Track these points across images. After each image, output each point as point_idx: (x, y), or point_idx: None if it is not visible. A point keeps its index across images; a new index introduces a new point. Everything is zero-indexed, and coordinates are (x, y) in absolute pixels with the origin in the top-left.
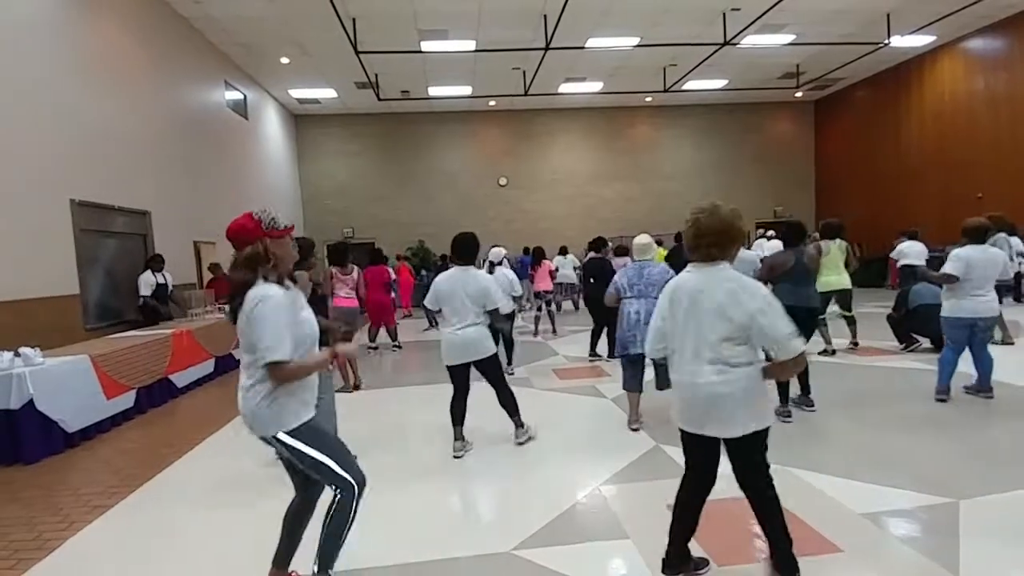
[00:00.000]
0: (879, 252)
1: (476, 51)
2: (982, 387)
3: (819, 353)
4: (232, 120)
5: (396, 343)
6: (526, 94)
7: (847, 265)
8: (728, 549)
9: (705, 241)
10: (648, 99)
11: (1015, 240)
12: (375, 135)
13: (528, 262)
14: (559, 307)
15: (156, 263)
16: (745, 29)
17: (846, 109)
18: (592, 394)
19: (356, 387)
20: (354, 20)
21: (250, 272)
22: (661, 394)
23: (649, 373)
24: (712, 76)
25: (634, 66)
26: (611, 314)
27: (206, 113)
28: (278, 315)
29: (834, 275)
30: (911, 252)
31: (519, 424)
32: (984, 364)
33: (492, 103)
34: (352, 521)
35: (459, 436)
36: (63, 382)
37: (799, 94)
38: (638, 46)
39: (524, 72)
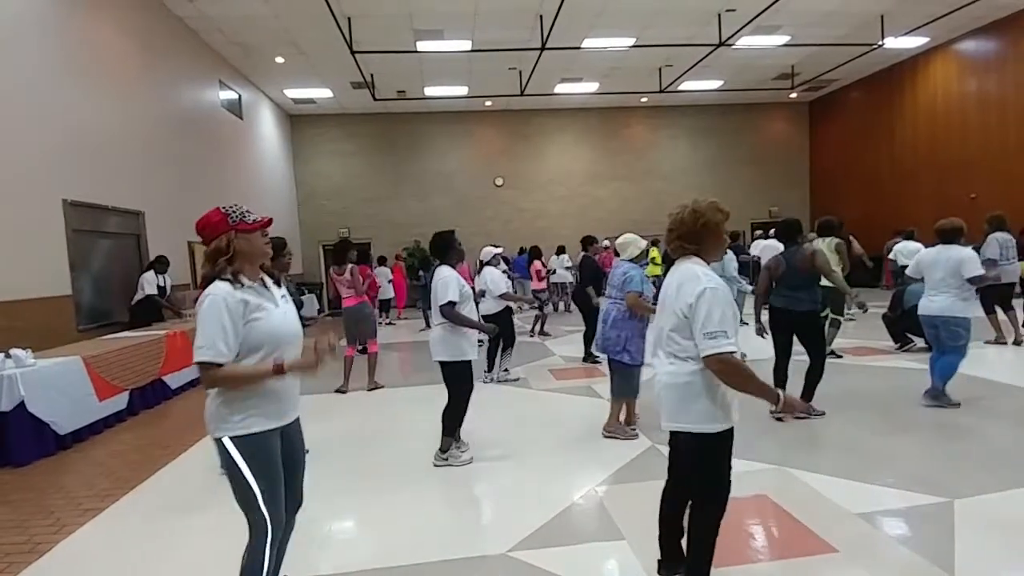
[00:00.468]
0: (874, 252)
1: (472, 51)
2: (932, 392)
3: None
4: (227, 120)
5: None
6: (522, 94)
7: (843, 267)
8: (721, 549)
9: (675, 235)
10: (644, 99)
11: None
12: (371, 135)
13: (523, 262)
14: (556, 307)
15: (161, 265)
16: (740, 30)
17: (840, 110)
18: (588, 394)
19: (373, 388)
20: (349, 20)
21: (212, 267)
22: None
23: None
24: (707, 77)
25: (630, 67)
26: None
27: (200, 113)
28: (215, 314)
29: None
30: (909, 252)
31: (444, 446)
32: (937, 368)
33: (488, 103)
34: (268, 572)
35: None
36: (55, 384)
37: (794, 95)
38: (634, 47)
39: (520, 72)
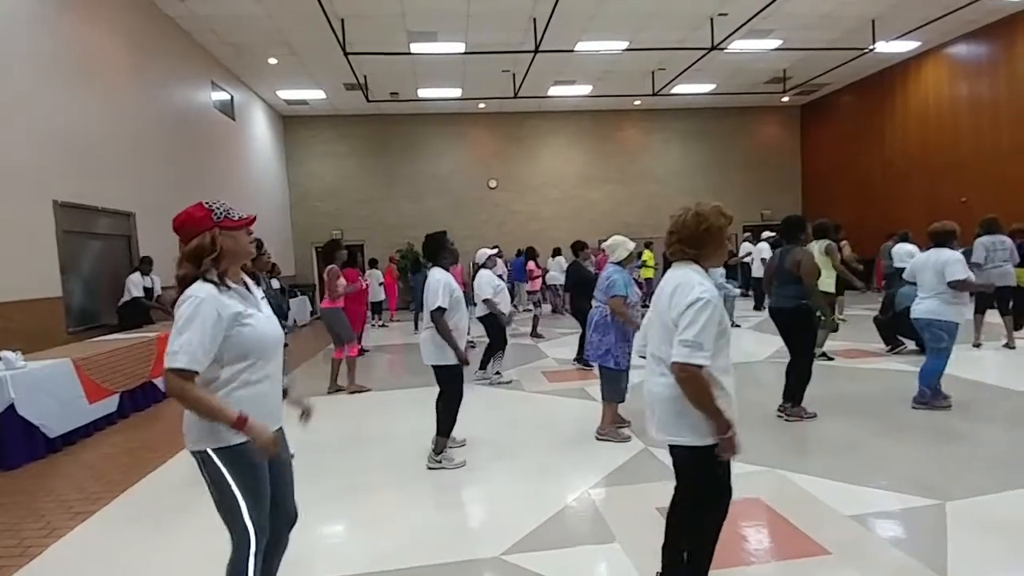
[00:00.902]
0: (866, 255)
1: (465, 53)
2: (920, 397)
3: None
4: (219, 121)
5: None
6: (516, 97)
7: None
8: (715, 552)
9: (675, 238)
10: (637, 102)
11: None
12: (364, 137)
13: (520, 264)
14: (554, 309)
15: (145, 266)
16: (732, 34)
17: (832, 114)
18: (581, 397)
19: (339, 390)
20: (343, 21)
21: (193, 267)
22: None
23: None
24: (700, 80)
25: (623, 70)
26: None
27: (192, 114)
28: (201, 319)
29: None
30: (906, 254)
31: (439, 447)
32: (920, 373)
33: (482, 105)
34: None
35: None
36: (45, 386)
37: (786, 99)
38: (627, 50)
39: (514, 75)
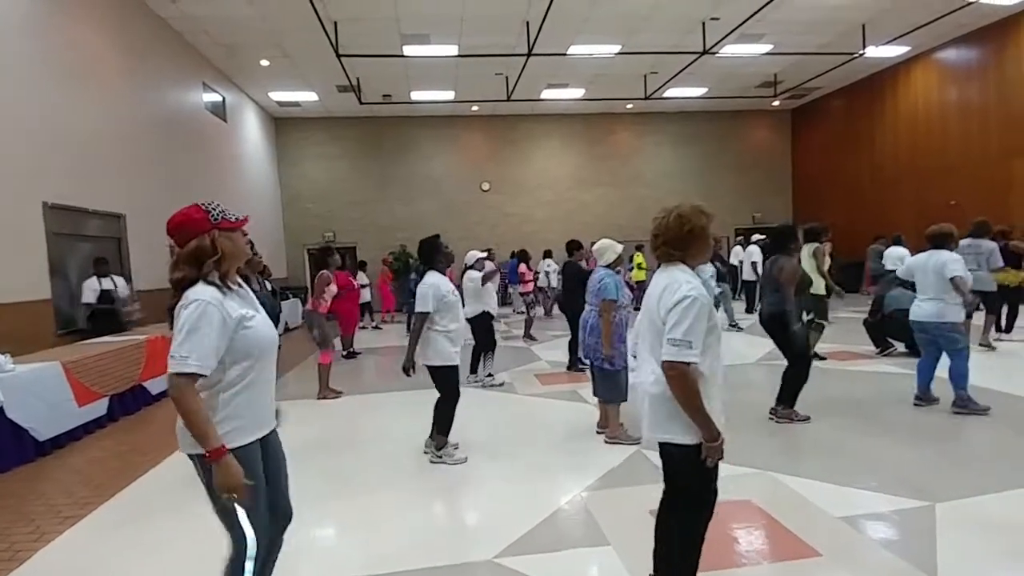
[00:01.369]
0: (856, 258)
1: (458, 56)
2: (960, 402)
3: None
4: (210, 122)
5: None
6: (509, 100)
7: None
8: (705, 554)
9: (660, 240)
10: (629, 106)
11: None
12: (357, 139)
13: (514, 266)
14: (548, 312)
15: (101, 266)
16: (724, 39)
17: (822, 118)
18: (574, 399)
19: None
20: (335, 23)
21: (193, 269)
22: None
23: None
24: (692, 84)
25: (615, 73)
26: None
27: (183, 115)
28: (209, 322)
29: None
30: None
31: (439, 444)
32: (951, 379)
33: (475, 108)
34: None
35: (432, 435)
36: (33, 389)
37: (776, 103)
38: (619, 54)
39: (507, 78)
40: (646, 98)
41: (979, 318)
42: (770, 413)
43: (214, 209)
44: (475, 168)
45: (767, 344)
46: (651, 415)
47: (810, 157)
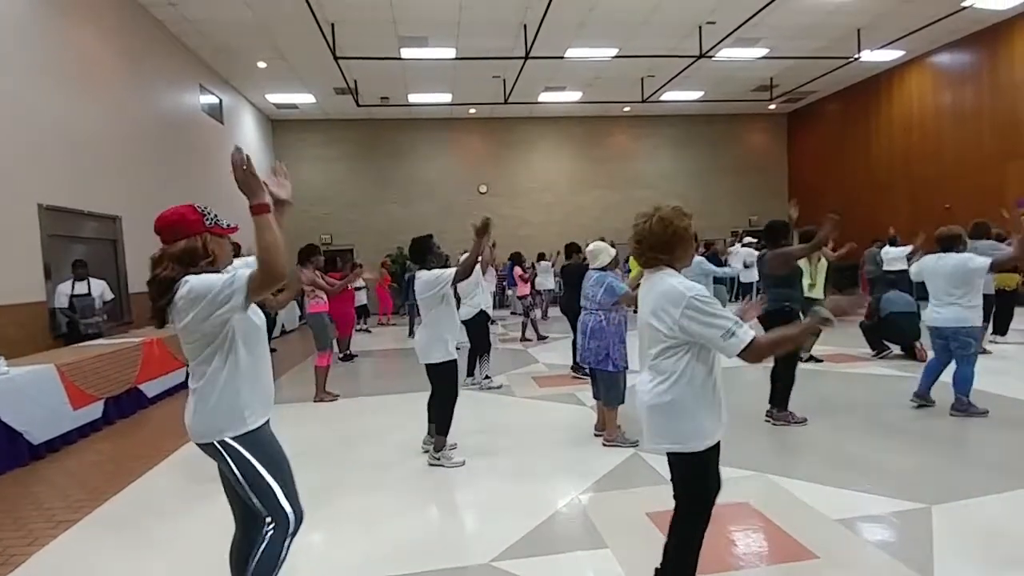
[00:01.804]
0: (850, 260)
1: (456, 59)
2: (959, 405)
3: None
4: (207, 124)
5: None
6: (506, 102)
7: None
8: (702, 557)
9: (645, 246)
10: (626, 109)
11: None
12: (354, 141)
13: (511, 269)
14: (544, 314)
15: (79, 269)
16: (720, 42)
17: (818, 121)
18: (572, 402)
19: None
20: (333, 25)
21: (181, 269)
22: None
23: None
24: (688, 88)
25: (612, 76)
26: None
27: (180, 117)
28: (211, 278)
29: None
30: (895, 256)
31: (438, 446)
32: (955, 384)
33: (472, 111)
34: (281, 565)
35: (430, 432)
36: (28, 392)
37: (772, 106)
38: (616, 57)
39: (504, 80)
40: (643, 101)
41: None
42: (766, 416)
43: (209, 213)
44: (472, 170)
45: None
46: (653, 426)
47: (806, 160)
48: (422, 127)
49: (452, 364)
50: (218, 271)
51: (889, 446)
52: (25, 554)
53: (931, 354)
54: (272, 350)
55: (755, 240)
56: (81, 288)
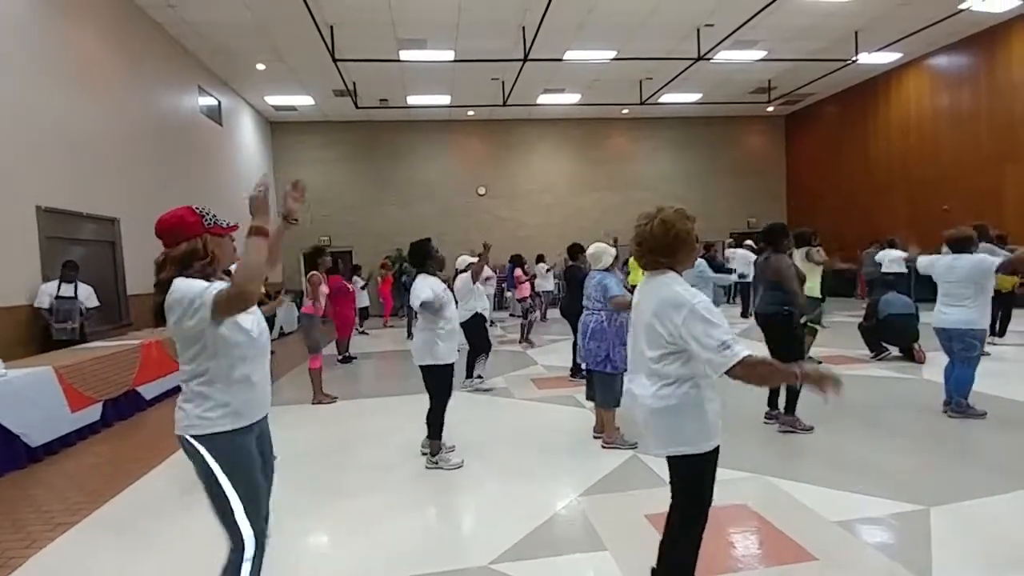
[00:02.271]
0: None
1: (455, 61)
2: (956, 406)
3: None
4: (206, 126)
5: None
6: (505, 104)
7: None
8: (701, 559)
9: (646, 248)
10: (625, 111)
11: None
12: (353, 143)
13: (511, 270)
14: (543, 316)
15: (67, 271)
16: (718, 45)
17: (816, 123)
18: (571, 404)
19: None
20: (332, 27)
21: (181, 271)
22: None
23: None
24: (687, 90)
25: (611, 79)
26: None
27: (178, 119)
28: (193, 285)
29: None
30: (894, 259)
31: (433, 450)
32: (952, 384)
33: (471, 113)
34: None
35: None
36: (26, 394)
37: (770, 109)
38: (615, 59)
39: (503, 82)
40: (642, 103)
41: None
42: (766, 418)
43: (207, 214)
44: (471, 172)
45: (763, 348)
46: (653, 430)
47: (804, 162)
48: (421, 129)
49: (447, 368)
50: (213, 272)
51: (888, 448)
52: (23, 557)
53: (929, 356)
54: (271, 352)
55: (750, 242)
56: (67, 290)
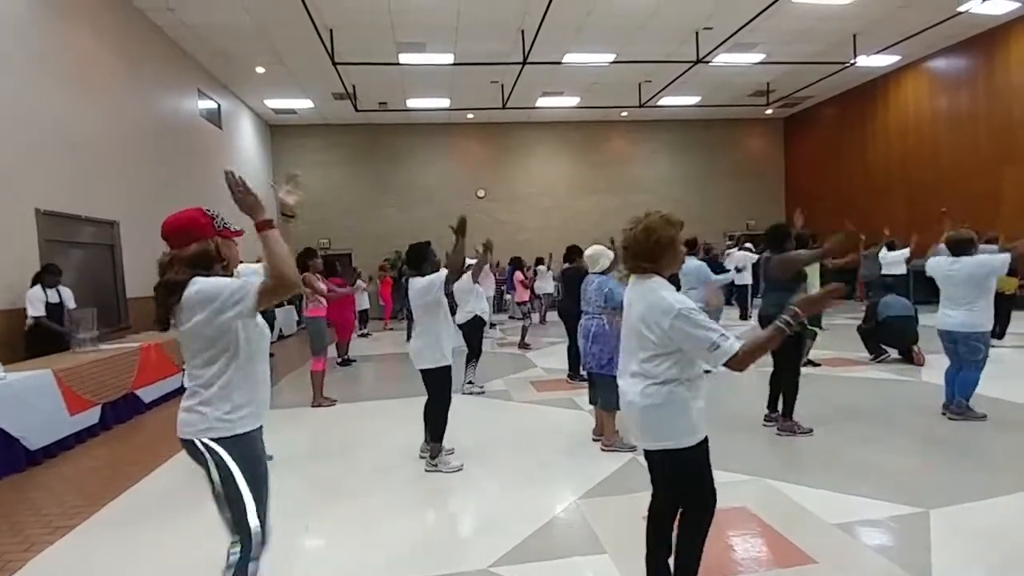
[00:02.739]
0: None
1: (454, 64)
2: (957, 408)
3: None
4: (205, 129)
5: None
6: (504, 107)
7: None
8: (705, 561)
9: (630, 253)
10: (624, 114)
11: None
12: (352, 146)
13: (511, 273)
14: (543, 318)
15: (49, 276)
16: (717, 48)
17: (814, 126)
18: (570, 406)
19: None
20: (331, 31)
21: (192, 272)
22: None
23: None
24: (686, 93)
25: (610, 82)
26: None
27: (178, 122)
28: (221, 281)
29: None
30: (893, 260)
31: (433, 453)
32: (957, 386)
33: (470, 116)
34: None
35: (427, 439)
36: (25, 397)
37: (769, 111)
38: (614, 62)
39: (502, 86)
40: (641, 106)
41: None
42: (765, 420)
43: (218, 216)
44: (470, 175)
45: None
46: (641, 426)
47: (802, 165)
48: (420, 132)
49: (446, 370)
50: (231, 275)
51: (887, 450)
52: (22, 560)
53: (928, 358)
54: (270, 355)
55: (750, 244)
56: (53, 296)
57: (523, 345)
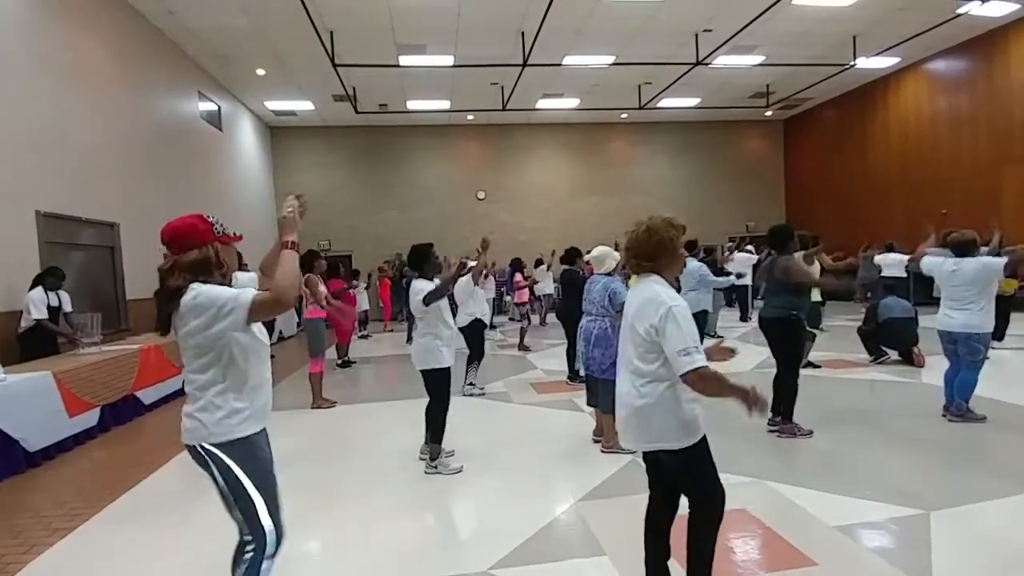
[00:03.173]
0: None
1: (454, 66)
2: (957, 409)
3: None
4: (206, 131)
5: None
6: (504, 109)
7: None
8: None
9: (631, 254)
10: (624, 116)
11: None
12: (353, 148)
13: (511, 274)
14: (543, 320)
15: (51, 279)
16: (717, 50)
17: (814, 128)
18: (570, 408)
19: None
20: (331, 33)
21: (192, 278)
22: None
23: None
24: (685, 94)
25: (610, 83)
26: None
27: (179, 124)
28: (218, 289)
29: None
30: (892, 263)
31: (433, 454)
32: (956, 387)
33: (470, 117)
34: None
35: (427, 440)
36: (24, 399)
37: (769, 113)
38: (614, 64)
39: (502, 87)
40: (641, 108)
41: None
42: (769, 424)
43: (217, 223)
44: (470, 177)
45: (762, 352)
46: (639, 427)
47: (802, 167)
48: (420, 134)
49: (446, 371)
50: (229, 282)
51: (887, 452)
52: (21, 562)
53: (928, 360)
54: (271, 356)
55: (750, 246)
56: (52, 300)
57: (522, 347)
